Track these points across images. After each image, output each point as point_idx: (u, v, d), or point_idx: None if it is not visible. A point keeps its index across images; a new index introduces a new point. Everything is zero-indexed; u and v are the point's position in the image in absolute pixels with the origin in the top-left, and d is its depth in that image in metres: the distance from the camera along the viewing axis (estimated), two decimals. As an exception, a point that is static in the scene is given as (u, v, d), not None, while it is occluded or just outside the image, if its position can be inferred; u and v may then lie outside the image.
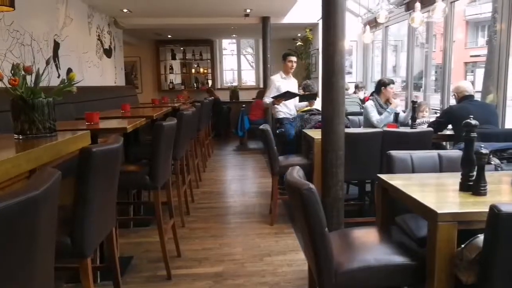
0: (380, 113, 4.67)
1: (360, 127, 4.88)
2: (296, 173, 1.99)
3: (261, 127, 4.14)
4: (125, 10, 7.17)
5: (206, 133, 7.20)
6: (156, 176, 2.83)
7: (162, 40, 11.13)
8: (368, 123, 4.59)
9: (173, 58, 11.57)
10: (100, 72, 7.10)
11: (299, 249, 3.38)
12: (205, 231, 3.87)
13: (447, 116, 3.96)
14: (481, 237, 1.55)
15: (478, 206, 1.70)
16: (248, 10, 7.36)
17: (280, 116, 5.19)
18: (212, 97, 9.28)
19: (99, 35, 7.14)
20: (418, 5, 4.38)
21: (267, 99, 5.23)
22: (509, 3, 4.02)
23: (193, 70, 11.74)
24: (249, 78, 12.57)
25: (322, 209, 1.74)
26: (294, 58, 5.25)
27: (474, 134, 1.92)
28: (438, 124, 3.99)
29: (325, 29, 2.89)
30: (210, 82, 11.60)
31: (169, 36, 10.59)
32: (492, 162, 2.56)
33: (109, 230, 2.07)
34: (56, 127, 2.01)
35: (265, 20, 7.97)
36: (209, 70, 11.59)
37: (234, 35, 11.31)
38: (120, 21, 7.87)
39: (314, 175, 3.89)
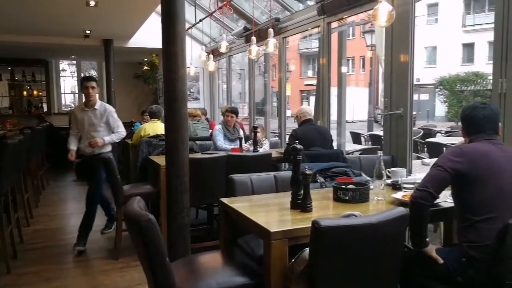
0: (226, 137, 4.93)
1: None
2: (136, 204, 1.92)
3: (103, 155, 3.90)
4: None
5: (39, 163, 6.43)
6: (-31, 218, 2.40)
7: (-17, 58, 9.68)
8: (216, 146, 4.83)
9: (-2, 79, 10.15)
10: None
11: (146, 282, 3.23)
12: (37, 275, 3.42)
13: (293, 139, 4.23)
14: (307, 250, 1.72)
15: (305, 222, 1.88)
16: (88, 31, 6.95)
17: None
18: (47, 123, 8.38)
19: None
20: (254, 39, 4.78)
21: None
22: (328, 41, 4.68)
23: (24, 93, 10.48)
24: (93, 101, 11.82)
25: (162, 239, 1.70)
26: (91, 83, 4.12)
27: (299, 157, 2.14)
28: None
29: (165, 57, 2.90)
30: (45, 106, 10.49)
31: (-7, 54, 9.28)
32: (318, 181, 2.88)
33: None
34: None
35: (107, 42, 7.64)
36: (44, 93, 10.48)
37: (73, 56, 10.53)
38: None
39: (161, 203, 3.82)
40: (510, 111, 2.60)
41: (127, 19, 6.32)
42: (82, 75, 11.79)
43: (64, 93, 11.37)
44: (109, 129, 4.23)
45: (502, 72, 2.67)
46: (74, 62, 11.31)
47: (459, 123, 2.51)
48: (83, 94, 4.24)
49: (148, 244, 1.66)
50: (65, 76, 11.49)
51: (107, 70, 7.82)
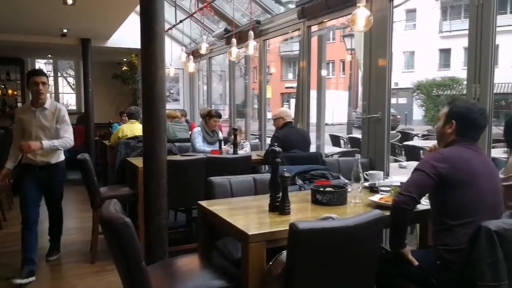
0: (205, 139, 4.89)
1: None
2: (113, 207, 1.88)
3: (79, 156, 3.82)
4: None
5: (14, 164, 6.25)
6: None
7: (-45, 56, 9.38)
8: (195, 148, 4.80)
9: (-28, 77, 9.86)
10: None
11: (122, 286, 3.18)
12: (10, 279, 3.31)
13: (277, 141, 4.22)
14: (285, 253, 1.72)
15: (283, 225, 1.88)
16: (65, 30, 6.82)
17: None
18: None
19: None
20: (234, 41, 4.77)
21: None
22: (308, 44, 4.71)
23: (-1, 92, 10.21)
24: (71, 101, 11.62)
25: (138, 243, 1.67)
26: (42, 78, 3.43)
27: (278, 160, 2.14)
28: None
29: (144, 58, 2.86)
30: (20, 105, 10.22)
31: (-35, 51, 9.01)
32: (297, 183, 2.89)
33: None
34: None
35: (85, 42, 7.51)
36: (20, 92, 10.22)
37: (50, 55, 10.31)
38: None
39: (139, 205, 3.77)
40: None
41: (106, 18, 6.22)
42: (59, 74, 11.59)
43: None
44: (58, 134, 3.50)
45: (476, 77, 2.75)
46: (51, 61, 11.08)
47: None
48: (30, 92, 3.47)
49: (124, 248, 1.63)
50: (41, 76, 11.23)
51: (84, 70, 7.69)
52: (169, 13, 6.41)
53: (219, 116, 4.99)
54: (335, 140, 9.40)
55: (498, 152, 4.13)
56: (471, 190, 1.93)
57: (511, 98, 22.00)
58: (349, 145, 8.99)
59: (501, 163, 3.12)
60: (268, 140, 5.29)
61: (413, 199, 1.92)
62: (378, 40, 3.57)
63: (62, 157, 3.65)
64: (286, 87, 31.47)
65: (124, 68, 9.96)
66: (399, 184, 2.59)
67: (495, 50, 2.75)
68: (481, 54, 2.71)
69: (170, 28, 6.77)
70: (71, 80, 12.49)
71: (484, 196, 1.95)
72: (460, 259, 1.83)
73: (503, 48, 20.97)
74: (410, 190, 1.93)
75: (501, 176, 2.20)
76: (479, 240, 1.66)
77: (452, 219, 1.93)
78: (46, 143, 3.39)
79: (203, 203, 2.34)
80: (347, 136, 10.28)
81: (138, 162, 3.83)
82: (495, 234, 1.64)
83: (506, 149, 2.25)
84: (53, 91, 11.09)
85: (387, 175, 3.46)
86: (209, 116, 4.90)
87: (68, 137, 3.51)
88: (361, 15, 2.76)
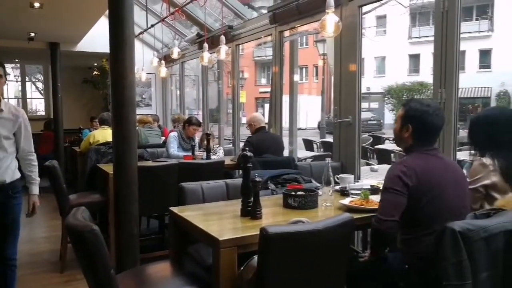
0: (181, 145, 4.85)
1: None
2: (80, 215, 1.84)
3: (47, 163, 3.71)
4: None
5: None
6: None
7: None
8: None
9: None
10: None
11: (93, 295, 3.10)
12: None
13: (250, 146, 4.23)
14: (256, 257, 1.72)
15: (254, 229, 1.88)
16: (33, 34, 6.64)
17: None
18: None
19: None
20: (206, 45, 4.76)
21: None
22: (280, 50, 4.74)
23: (-39, 97, 9.80)
24: (40, 107, 11.31)
25: (106, 251, 1.64)
26: None
27: (249, 164, 2.14)
28: None
29: (113, 62, 2.82)
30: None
31: None
32: (269, 187, 2.90)
33: None
34: None
35: (53, 46, 7.33)
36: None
37: (16, 60, 10.01)
38: None
39: (109, 212, 3.69)
40: (448, 119, 2.74)
41: (75, 22, 6.09)
42: (27, 79, 11.26)
43: (8, 98, 10.74)
44: (14, 145, 2.73)
45: (442, 82, 2.83)
46: (18, 65, 10.77)
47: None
48: None
49: (91, 256, 1.60)
50: (8, 80, 10.87)
51: (53, 75, 7.50)
52: (140, 17, 6.35)
53: (199, 124, 4.97)
54: (308, 145, 9.49)
55: (464, 155, 4.26)
56: (437, 200, 1.93)
57: (478, 102, 22.82)
58: (322, 149, 9.09)
59: (466, 165, 3.22)
60: (242, 145, 5.30)
61: (396, 223, 1.90)
62: (348, 45, 3.63)
63: (17, 173, 2.76)
64: (261, 92, 31.59)
65: (95, 72, 9.79)
66: (369, 187, 2.65)
67: (460, 55, 2.84)
68: (446, 60, 2.80)
69: (141, 33, 6.69)
70: (40, 85, 12.14)
71: (451, 204, 1.96)
72: (428, 264, 1.87)
73: (469, 54, 21.73)
74: (393, 214, 1.89)
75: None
76: (443, 241, 1.70)
77: (419, 229, 1.95)
78: (35, 189, 2.83)
79: (174, 209, 2.31)
80: (320, 140, 10.41)
81: (108, 168, 3.76)
82: (459, 234, 1.68)
83: (471, 151, 2.29)
84: (21, 96, 10.77)
85: (358, 178, 3.51)
86: (189, 123, 4.86)
87: (34, 157, 2.85)
88: (330, 21, 2.81)
